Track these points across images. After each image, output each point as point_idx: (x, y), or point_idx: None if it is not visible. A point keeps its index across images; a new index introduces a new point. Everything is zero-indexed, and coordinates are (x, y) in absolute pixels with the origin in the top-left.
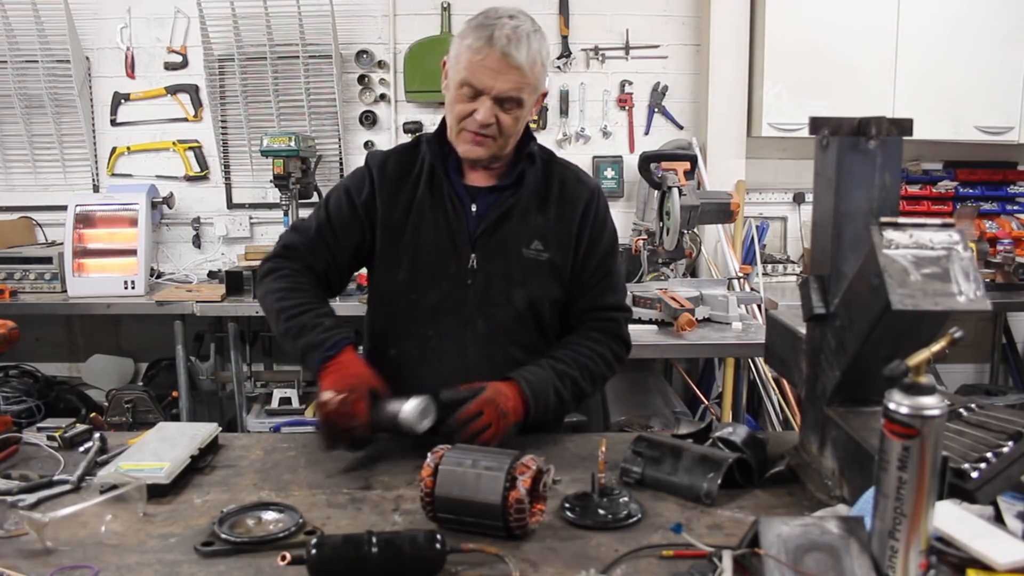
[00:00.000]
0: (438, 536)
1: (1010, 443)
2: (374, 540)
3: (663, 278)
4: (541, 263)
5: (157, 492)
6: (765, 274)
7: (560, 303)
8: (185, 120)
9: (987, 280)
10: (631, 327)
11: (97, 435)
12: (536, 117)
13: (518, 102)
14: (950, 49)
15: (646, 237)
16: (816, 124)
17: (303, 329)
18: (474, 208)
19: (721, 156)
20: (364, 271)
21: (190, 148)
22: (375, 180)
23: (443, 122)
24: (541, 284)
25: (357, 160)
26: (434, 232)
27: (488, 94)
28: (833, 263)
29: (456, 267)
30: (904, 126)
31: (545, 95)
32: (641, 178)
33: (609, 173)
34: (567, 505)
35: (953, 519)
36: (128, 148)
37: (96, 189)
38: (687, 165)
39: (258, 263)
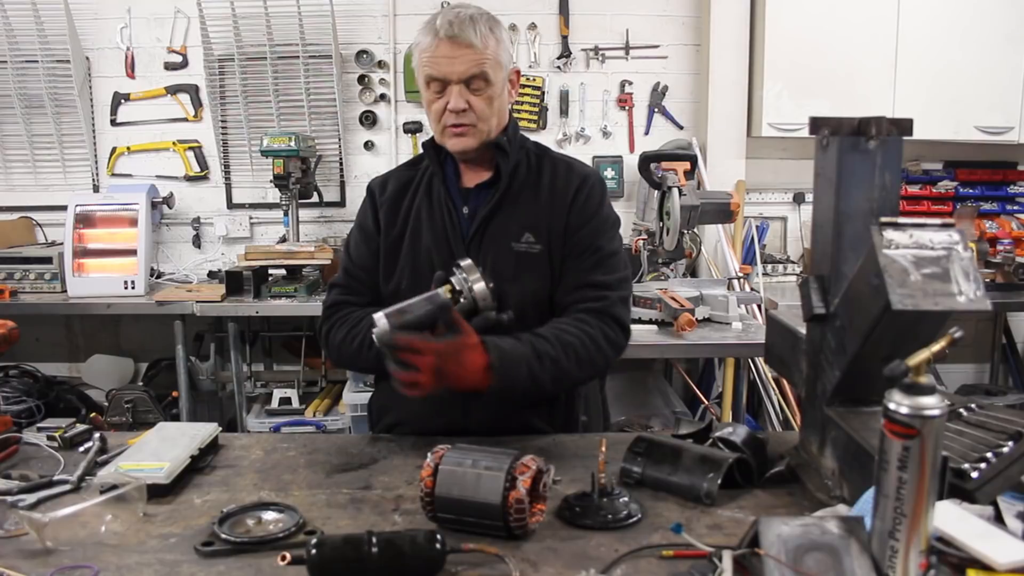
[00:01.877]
0: (438, 536)
1: (1010, 443)
2: (374, 540)
3: (663, 278)
4: (533, 256)
5: (157, 492)
6: (765, 274)
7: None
8: (185, 120)
9: (987, 280)
10: (633, 327)
11: (97, 435)
12: (536, 117)
13: (484, 79)
14: (950, 49)
15: (646, 237)
16: (816, 124)
17: None
18: (466, 210)
19: (721, 156)
20: None
21: (190, 148)
22: (377, 202)
23: None
24: (534, 278)
25: (357, 160)
26: (430, 238)
27: (452, 80)
28: (833, 263)
29: None
30: (904, 126)
31: (519, 72)
32: (641, 178)
33: (609, 173)
34: (567, 505)
35: (953, 519)
36: (128, 148)
37: (96, 189)
38: (687, 165)
39: (257, 264)
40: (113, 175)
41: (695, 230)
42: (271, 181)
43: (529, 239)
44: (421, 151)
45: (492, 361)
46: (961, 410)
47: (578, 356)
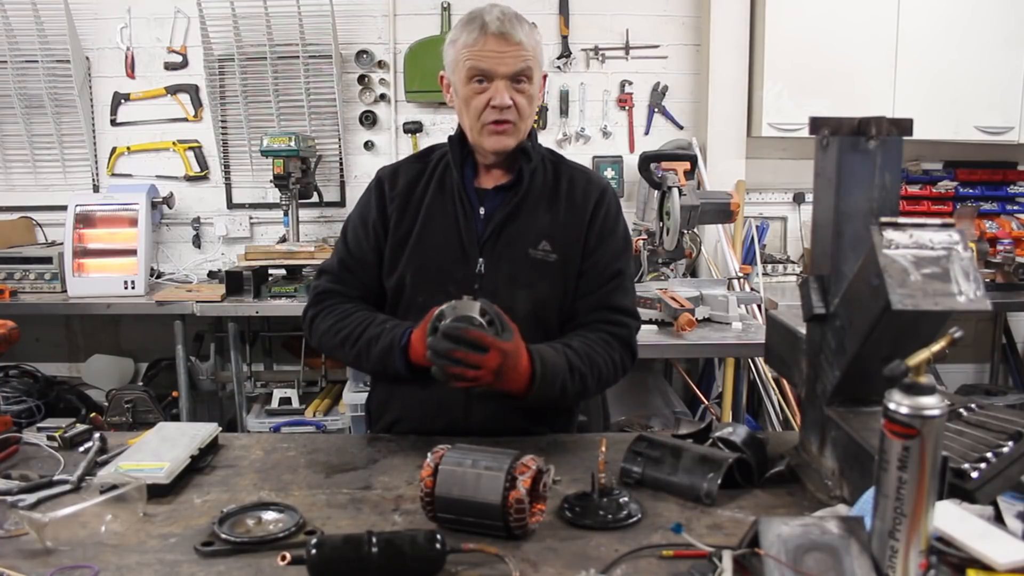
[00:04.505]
0: (438, 536)
1: (1010, 443)
2: (374, 540)
3: (663, 278)
4: (548, 264)
5: (157, 492)
6: (765, 274)
7: (568, 307)
8: (185, 120)
9: (987, 280)
10: None
11: (97, 435)
12: (536, 117)
13: (528, 76)
14: (950, 49)
15: (646, 237)
16: (816, 124)
17: (370, 343)
18: (482, 211)
19: (721, 156)
20: None
21: (190, 148)
22: (386, 194)
23: (460, 127)
24: (547, 286)
25: (357, 160)
26: (443, 237)
27: (499, 77)
28: (833, 263)
29: (463, 271)
30: (904, 126)
31: (546, 77)
32: (641, 178)
33: (609, 173)
34: (567, 505)
35: (953, 519)
36: (128, 148)
37: (96, 189)
38: (687, 165)
39: (257, 264)
40: (113, 175)
41: (695, 230)
42: (271, 181)
43: (546, 247)
44: (423, 148)
45: (536, 370)
46: (961, 410)
47: (600, 376)
